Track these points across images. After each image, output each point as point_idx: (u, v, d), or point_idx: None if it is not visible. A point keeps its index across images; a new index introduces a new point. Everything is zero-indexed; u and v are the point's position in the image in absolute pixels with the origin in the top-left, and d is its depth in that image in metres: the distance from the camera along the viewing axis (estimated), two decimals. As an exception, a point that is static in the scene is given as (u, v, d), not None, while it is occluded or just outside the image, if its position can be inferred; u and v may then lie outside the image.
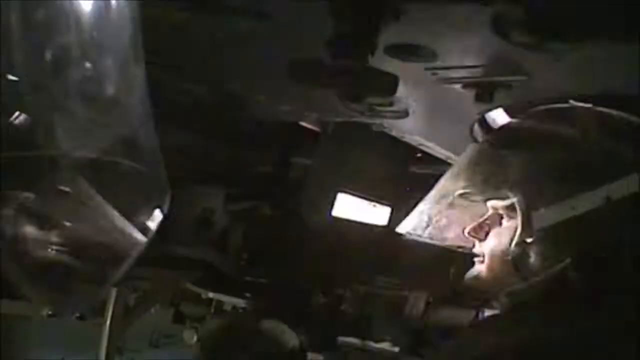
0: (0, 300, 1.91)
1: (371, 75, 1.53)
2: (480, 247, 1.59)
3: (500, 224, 1.55)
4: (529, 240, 1.45)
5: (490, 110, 1.73)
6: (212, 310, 2.50)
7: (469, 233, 1.61)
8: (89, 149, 1.38)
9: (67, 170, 1.42)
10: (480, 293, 1.87)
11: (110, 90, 1.40)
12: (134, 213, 1.50)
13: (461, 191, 1.64)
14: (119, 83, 1.40)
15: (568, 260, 1.40)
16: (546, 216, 1.43)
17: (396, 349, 2.50)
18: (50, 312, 2.42)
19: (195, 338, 2.47)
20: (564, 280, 1.41)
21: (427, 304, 2.43)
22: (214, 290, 2.47)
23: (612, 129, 1.50)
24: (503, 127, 1.68)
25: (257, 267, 2.52)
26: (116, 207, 1.48)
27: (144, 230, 1.49)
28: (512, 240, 1.46)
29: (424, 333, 2.45)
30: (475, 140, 1.77)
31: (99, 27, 1.33)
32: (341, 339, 2.53)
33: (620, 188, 1.42)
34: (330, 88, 1.66)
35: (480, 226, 1.59)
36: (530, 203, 1.45)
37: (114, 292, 2.34)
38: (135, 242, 1.47)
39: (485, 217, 1.59)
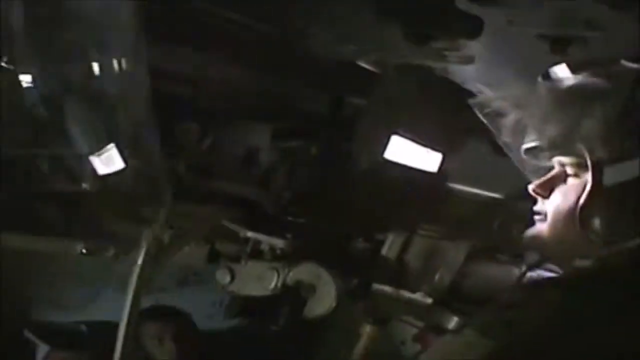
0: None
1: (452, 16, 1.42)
2: (542, 205, 1.53)
3: (565, 181, 1.49)
4: (598, 199, 1.39)
5: (557, 64, 1.63)
6: (249, 250, 2.37)
7: (533, 190, 1.54)
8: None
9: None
10: (538, 252, 1.79)
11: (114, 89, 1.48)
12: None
13: (529, 145, 1.57)
14: (123, 82, 1.47)
15: None
16: (617, 173, 1.38)
17: (428, 300, 2.37)
18: (83, 251, 2.33)
19: (228, 278, 2.32)
20: None
21: (467, 256, 2.27)
22: (252, 229, 2.34)
23: None
24: (573, 82, 1.56)
25: (299, 207, 2.43)
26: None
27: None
28: (579, 198, 1.41)
29: (461, 287, 2.34)
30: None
31: (104, 25, 1.40)
32: (376, 286, 2.40)
33: None
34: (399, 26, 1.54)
35: (545, 183, 1.53)
36: (600, 159, 1.39)
37: (148, 229, 2.20)
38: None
39: (553, 173, 1.53)
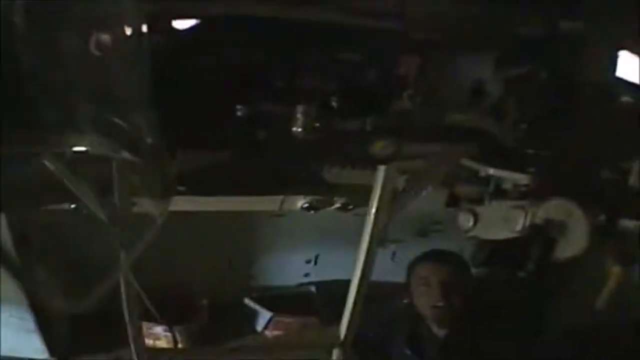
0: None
1: None
2: None
3: None
4: None
5: None
6: (491, 189, 2.27)
7: None
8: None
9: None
10: None
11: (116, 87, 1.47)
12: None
13: None
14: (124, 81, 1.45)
15: None
16: None
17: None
18: (305, 206, 2.30)
19: (471, 222, 2.15)
20: None
21: None
22: (493, 166, 2.21)
23: None
24: None
25: (538, 138, 2.23)
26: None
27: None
28: None
29: None
30: None
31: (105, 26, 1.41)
32: (624, 222, 2.16)
33: None
34: None
35: None
36: None
37: (381, 173, 2.04)
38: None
39: None
